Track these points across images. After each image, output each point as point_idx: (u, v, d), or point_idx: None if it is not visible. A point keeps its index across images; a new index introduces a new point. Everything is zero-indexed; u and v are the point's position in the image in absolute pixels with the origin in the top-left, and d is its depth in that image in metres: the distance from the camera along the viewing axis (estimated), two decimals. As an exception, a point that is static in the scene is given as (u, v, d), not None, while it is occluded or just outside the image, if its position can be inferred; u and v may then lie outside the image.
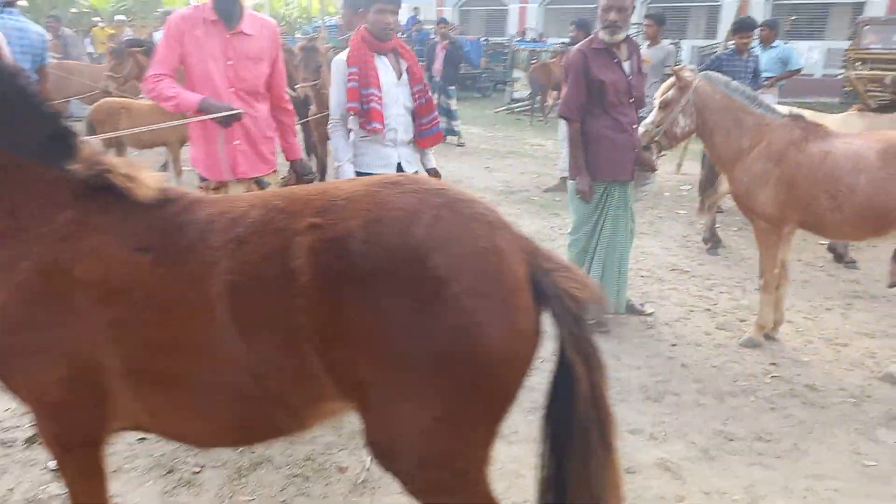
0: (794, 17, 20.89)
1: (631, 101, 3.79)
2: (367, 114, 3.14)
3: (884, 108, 5.09)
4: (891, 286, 3.97)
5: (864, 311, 4.30)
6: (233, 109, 2.76)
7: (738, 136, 3.64)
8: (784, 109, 3.77)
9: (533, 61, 16.21)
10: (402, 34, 16.35)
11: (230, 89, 2.89)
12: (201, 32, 2.83)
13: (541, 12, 28.03)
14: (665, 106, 3.82)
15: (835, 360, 3.60)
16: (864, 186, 3.21)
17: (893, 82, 10.61)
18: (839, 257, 5.19)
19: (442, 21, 11.33)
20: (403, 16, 24.87)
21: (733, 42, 6.66)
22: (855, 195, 3.23)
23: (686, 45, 21.13)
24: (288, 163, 3.34)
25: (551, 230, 6.01)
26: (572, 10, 27.64)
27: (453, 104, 10.72)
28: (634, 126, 3.82)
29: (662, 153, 4.14)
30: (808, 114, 4.01)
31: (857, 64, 13.87)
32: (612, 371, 3.34)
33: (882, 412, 3.07)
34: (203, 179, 3.08)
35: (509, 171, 8.74)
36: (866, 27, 15.02)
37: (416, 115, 3.30)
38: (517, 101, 16.26)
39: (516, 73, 16.90)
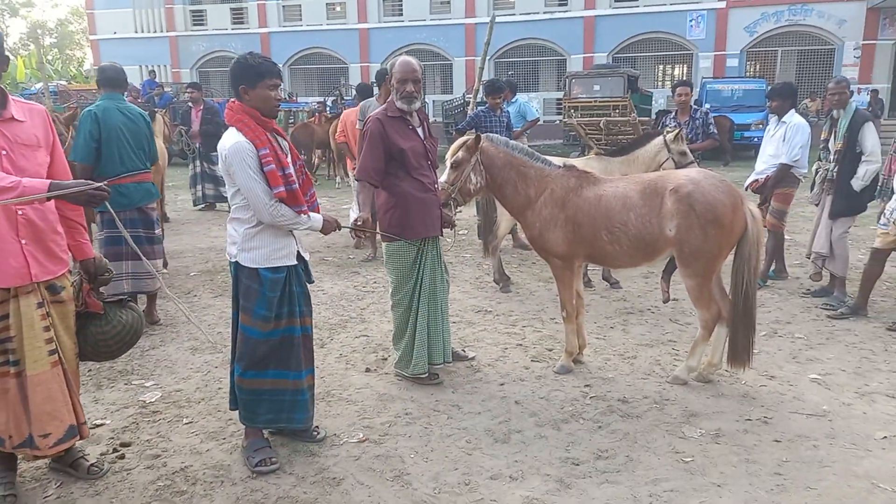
0: (511, 73, 23.87)
1: (429, 163, 4.02)
2: (294, 197, 2.95)
3: (616, 152, 6.04)
4: (665, 301, 4.73)
5: (639, 324, 5.03)
6: (89, 184, 2.37)
7: (525, 188, 4.06)
8: (558, 161, 4.30)
9: (290, 121, 16.22)
10: (140, 98, 15.20)
11: None
12: None
13: (286, 72, 28.17)
14: (456, 166, 4.11)
15: (631, 372, 4.15)
16: (634, 222, 3.80)
17: (607, 125, 12.74)
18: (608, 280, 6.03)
19: (193, 85, 10.79)
20: (135, 78, 23.22)
21: (471, 96, 7.49)
22: (628, 229, 3.81)
23: (430, 99, 22.95)
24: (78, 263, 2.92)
25: (356, 289, 6.02)
26: (316, 70, 28.44)
27: (218, 170, 10.19)
28: (436, 185, 4.05)
29: (459, 209, 4.42)
30: (581, 162, 4.63)
31: (571, 111, 16.37)
32: (456, 421, 3.48)
33: (681, 411, 3.61)
34: None
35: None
36: (573, 80, 17.83)
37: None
38: (280, 160, 16.06)
39: (275, 134, 16.71)
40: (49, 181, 2.43)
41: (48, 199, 2.45)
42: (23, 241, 2.55)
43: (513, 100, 8.75)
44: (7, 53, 2.62)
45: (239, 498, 2.84)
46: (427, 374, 3.96)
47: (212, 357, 4.43)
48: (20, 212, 2.57)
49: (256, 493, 2.87)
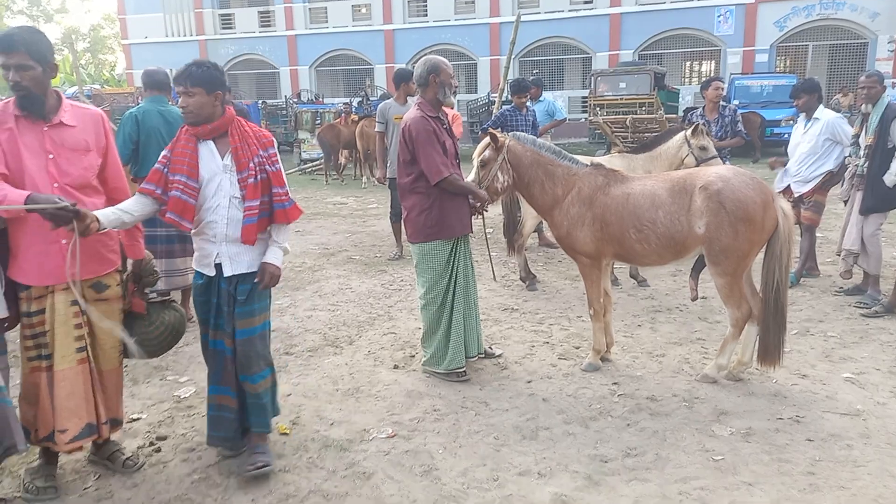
0: (536, 71, 23.79)
1: (457, 161, 4.06)
2: (175, 204, 2.83)
3: (639, 149, 5.99)
4: (693, 300, 4.70)
5: (667, 322, 5.00)
6: (62, 201, 2.44)
7: (553, 187, 4.06)
8: (585, 160, 4.29)
9: (318, 122, 16.39)
10: (171, 102, 15.49)
11: (53, 185, 2.59)
12: (14, 127, 2.52)
13: (312, 74, 28.49)
14: (484, 165, 4.13)
15: (660, 371, 4.13)
16: (662, 219, 3.78)
17: (633, 123, 12.64)
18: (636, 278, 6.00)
19: (223, 87, 10.96)
20: (167, 81, 23.70)
21: (496, 95, 7.56)
22: (657, 227, 3.79)
23: (455, 99, 22.91)
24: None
25: (383, 287, 6.07)
26: (342, 71, 28.67)
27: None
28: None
29: (486, 209, 4.43)
30: (605, 160, 4.63)
31: (596, 109, 16.27)
32: (484, 418, 3.50)
33: (711, 409, 3.58)
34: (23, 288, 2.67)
35: (321, 233, 8.67)
36: (598, 78, 17.71)
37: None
38: (307, 161, 16.25)
39: (302, 134, 16.91)
40: (28, 193, 2.49)
41: (27, 211, 2.48)
42: (63, 241, 2.64)
43: (540, 98, 8.74)
44: (56, 62, 2.73)
45: (271, 491, 2.90)
46: (463, 369, 4.00)
47: (243, 354, 4.51)
48: None
49: (289, 487, 2.93)
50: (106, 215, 2.68)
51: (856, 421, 3.42)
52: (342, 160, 14.37)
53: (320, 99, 22.52)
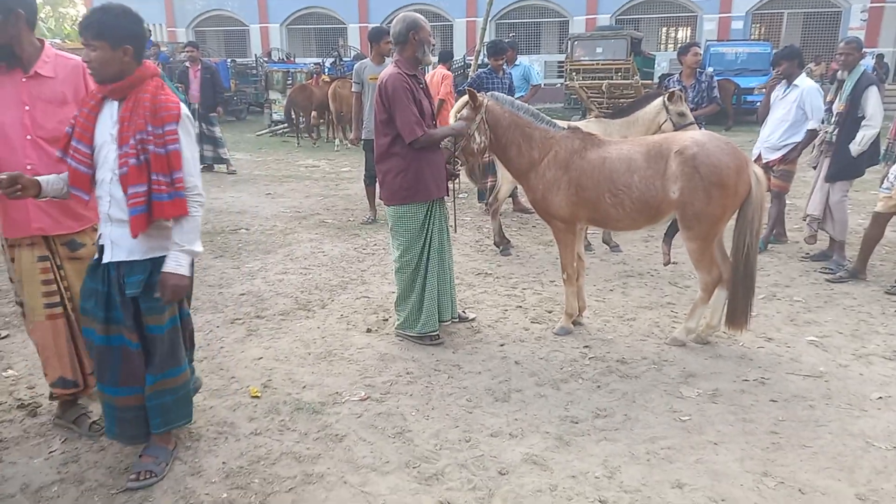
0: (512, 34, 23.47)
1: (434, 122, 3.98)
2: (73, 176, 2.49)
3: (616, 114, 5.96)
4: (666, 264, 4.73)
5: (638, 287, 5.05)
6: None
7: (529, 149, 4.02)
8: (563, 123, 4.25)
9: (289, 82, 16.02)
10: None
11: (27, 137, 2.53)
12: None
13: (284, 33, 27.74)
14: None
15: (630, 334, 4.18)
16: (637, 184, 3.77)
17: (609, 88, 12.61)
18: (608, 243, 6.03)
19: (192, 44, 10.61)
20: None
21: (472, 58, 7.48)
22: (632, 192, 3.79)
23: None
24: None
25: (356, 251, 6.02)
26: (314, 30, 27.95)
27: (217, 131, 10.15)
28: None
29: (460, 168, 4.39)
30: (581, 125, 4.59)
31: (573, 74, 16.18)
32: (457, 381, 3.52)
33: (679, 371, 3.64)
34: None
35: (294, 196, 8.53)
36: (575, 42, 17.55)
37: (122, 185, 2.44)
38: (278, 122, 15.92)
39: (273, 95, 16.53)
40: None
41: None
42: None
43: (516, 63, 8.62)
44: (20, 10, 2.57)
45: (243, 453, 2.88)
46: (436, 332, 4.00)
47: (213, 316, 4.45)
48: (29, 166, 2.61)
49: (260, 449, 2.91)
50: (49, 182, 2.49)
51: (818, 382, 3.51)
52: (314, 122, 14.09)
53: (292, 58, 21.97)
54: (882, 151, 5.15)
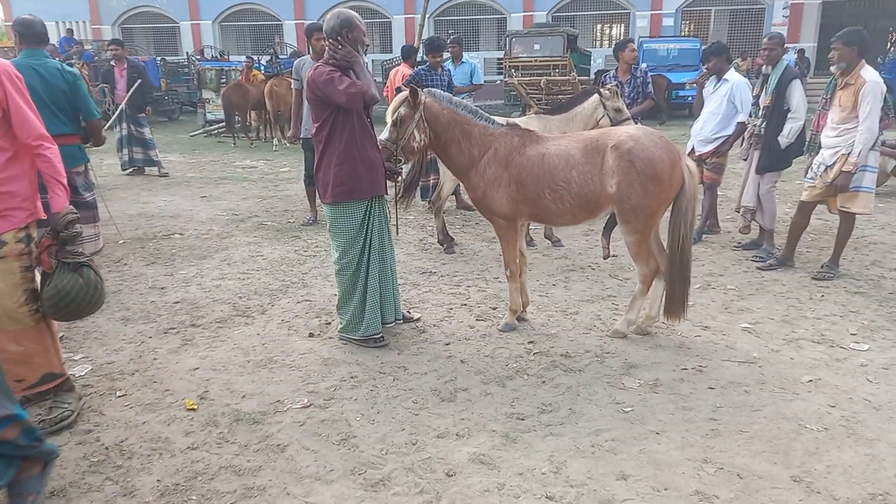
0: (451, 31, 23.47)
1: (369, 120, 3.91)
2: None
3: (555, 110, 6.03)
4: (605, 258, 4.80)
5: (580, 281, 5.12)
6: None
7: (469, 147, 3.99)
8: (501, 120, 4.25)
9: (223, 81, 15.57)
10: (58, 57, 14.24)
11: None
12: None
13: (216, 30, 26.97)
14: (399, 123, 4.00)
15: (573, 328, 4.22)
16: (576, 179, 3.80)
17: (547, 85, 12.74)
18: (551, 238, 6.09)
19: (116, 41, 10.15)
20: (52, 36, 21.73)
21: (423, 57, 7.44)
22: (571, 187, 3.82)
23: (369, 59, 22.32)
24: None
25: (297, 254, 5.88)
26: (248, 27, 27.26)
27: (147, 132, 9.76)
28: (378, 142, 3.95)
29: (401, 167, 4.33)
30: (522, 121, 4.60)
31: (512, 70, 16.29)
32: (403, 382, 3.47)
33: (621, 363, 3.70)
34: None
35: (230, 199, 8.28)
36: (513, 39, 17.69)
37: None
38: (213, 122, 15.45)
39: (206, 94, 16.02)
40: None
41: None
42: None
43: (463, 60, 8.59)
44: None
45: (179, 469, 2.76)
46: (380, 334, 3.93)
47: (145, 327, 4.26)
48: None
49: (197, 465, 2.79)
50: None
51: (752, 368, 3.62)
52: (251, 122, 13.74)
53: (226, 56, 21.36)
54: (806, 142, 5.37)
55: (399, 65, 8.03)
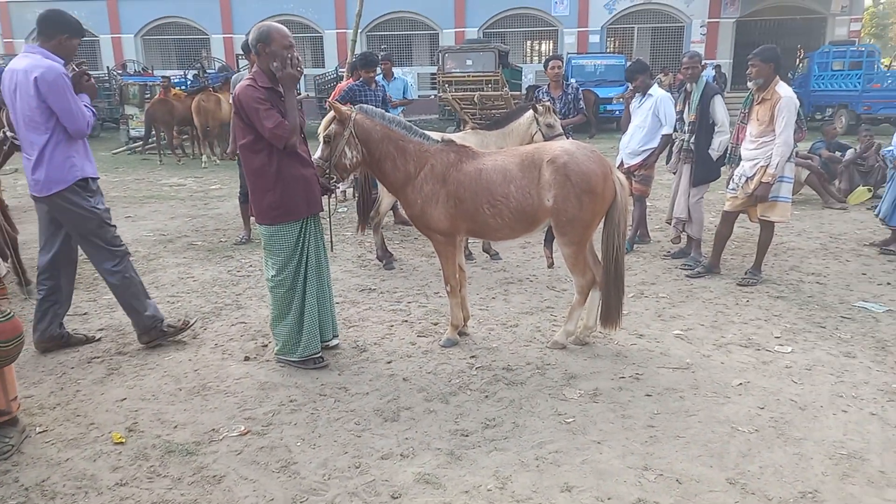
0: (384, 46, 23.53)
1: (303, 137, 3.84)
2: None
3: (491, 126, 6.10)
4: (549, 266, 4.86)
5: (519, 293, 5.17)
6: None
7: (405, 163, 3.97)
8: (436, 135, 4.25)
9: (147, 96, 15.03)
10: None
11: None
12: None
13: (139, 44, 26.08)
14: (329, 140, 3.95)
15: (514, 341, 4.25)
16: (514, 194, 3.84)
17: (481, 99, 12.92)
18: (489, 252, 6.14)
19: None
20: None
21: (344, 70, 7.40)
22: (509, 202, 3.85)
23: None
24: None
25: (230, 274, 5.69)
26: (173, 41, 26.47)
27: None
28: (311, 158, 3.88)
29: (337, 186, 4.26)
30: (458, 136, 4.62)
31: (445, 86, 16.44)
32: (344, 404, 3.40)
33: (561, 374, 3.74)
34: None
35: (157, 218, 7.96)
36: (446, 55, 17.88)
37: None
38: (136, 139, 14.87)
39: (129, 110, 15.42)
40: None
41: None
42: None
43: (395, 77, 8.58)
44: None
45: (107, 509, 2.60)
46: (319, 354, 3.84)
47: (66, 357, 4.01)
48: None
49: (126, 501, 2.64)
50: None
51: (686, 374, 3.74)
52: (177, 139, 13.30)
53: (149, 71, 20.66)
54: (727, 155, 5.63)
55: (342, 80, 7.88)
